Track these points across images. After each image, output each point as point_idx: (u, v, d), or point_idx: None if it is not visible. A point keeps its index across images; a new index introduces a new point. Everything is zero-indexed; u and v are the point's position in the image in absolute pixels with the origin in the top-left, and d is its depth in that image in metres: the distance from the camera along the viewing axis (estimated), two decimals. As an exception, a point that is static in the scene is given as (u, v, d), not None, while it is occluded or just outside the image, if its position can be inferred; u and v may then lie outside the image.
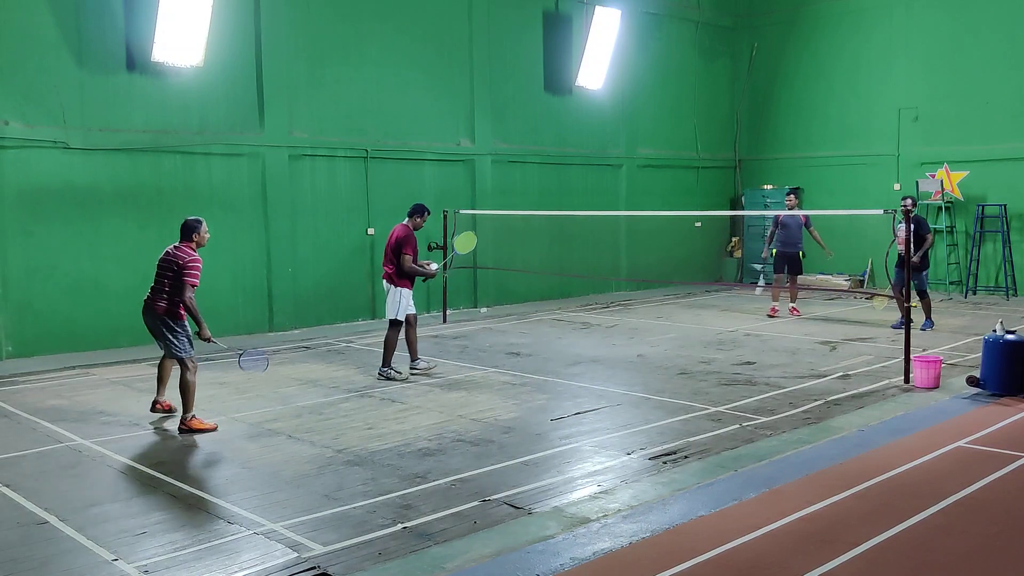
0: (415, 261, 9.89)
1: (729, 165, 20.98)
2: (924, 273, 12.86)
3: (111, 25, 11.95)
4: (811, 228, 14.47)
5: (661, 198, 19.17)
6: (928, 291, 12.99)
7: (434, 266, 10.22)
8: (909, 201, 12.23)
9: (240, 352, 8.41)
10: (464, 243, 12.12)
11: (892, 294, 11.75)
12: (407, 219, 10.12)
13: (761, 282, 14.41)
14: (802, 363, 10.46)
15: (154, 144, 12.35)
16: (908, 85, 17.90)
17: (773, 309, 14.69)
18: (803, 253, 14.59)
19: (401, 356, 10.27)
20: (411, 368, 10.07)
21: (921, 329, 12.53)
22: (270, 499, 5.95)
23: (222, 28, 12.72)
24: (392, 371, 9.87)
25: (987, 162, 16.85)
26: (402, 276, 9.87)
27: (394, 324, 9.93)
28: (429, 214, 10.34)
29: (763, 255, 15.28)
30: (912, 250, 11.81)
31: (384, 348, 9.95)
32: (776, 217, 14.74)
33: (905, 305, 9.42)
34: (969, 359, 10.38)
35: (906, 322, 9.47)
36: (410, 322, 10.00)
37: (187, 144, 12.64)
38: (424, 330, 13.55)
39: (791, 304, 14.86)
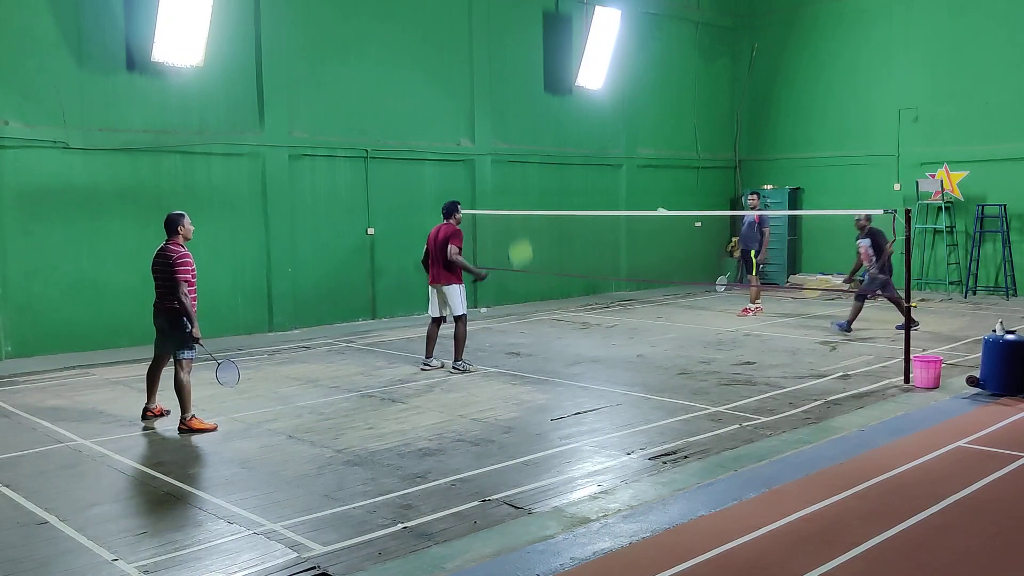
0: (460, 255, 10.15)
1: (729, 165, 20.98)
2: (888, 280, 12.53)
3: (111, 25, 11.95)
4: (763, 228, 14.54)
5: (661, 198, 19.14)
6: (899, 297, 12.54)
7: (485, 271, 10.64)
8: (864, 215, 12.55)
9: (218, 363, 8.30)
10: (521, 253, 12.33)
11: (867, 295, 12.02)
12: (449, 219, 10.27)
13: (722, 280, 14.59)
14: (802, 363, 10.46)
15: (154, 144, 12.35)
16: (908, 85, 17.90)
17: (746, 309, 14.90)
18: (755, 252, 14.59)
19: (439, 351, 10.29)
20: (452, 366, 10.27)
21: (836, 326, 12.72)
22: (270, 499, 5.94)
23: (222, 28, 12.72)
24: (465, 364, 10.17)
25: (987, 162, 16.86)
26: (450, 269, 10.05)
27: (460, 319, 10.19)
28: (459, 204, 10.49)
29: (732, 256, 15.70)
30: (878, 260, 12.36)
31: (456, 342, 10.20)
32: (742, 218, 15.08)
33: (906, 306, 9.40)
34: (969, 359, 10.38)
35: (907, 323, 9.47)
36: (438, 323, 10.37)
37: (187, 144, 12.64)
38: (424, 329, 13.52)
39: (748, 304, 14.98)
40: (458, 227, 10.23)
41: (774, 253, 19.38)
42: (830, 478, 6.19)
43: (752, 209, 14.72)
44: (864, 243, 12.53)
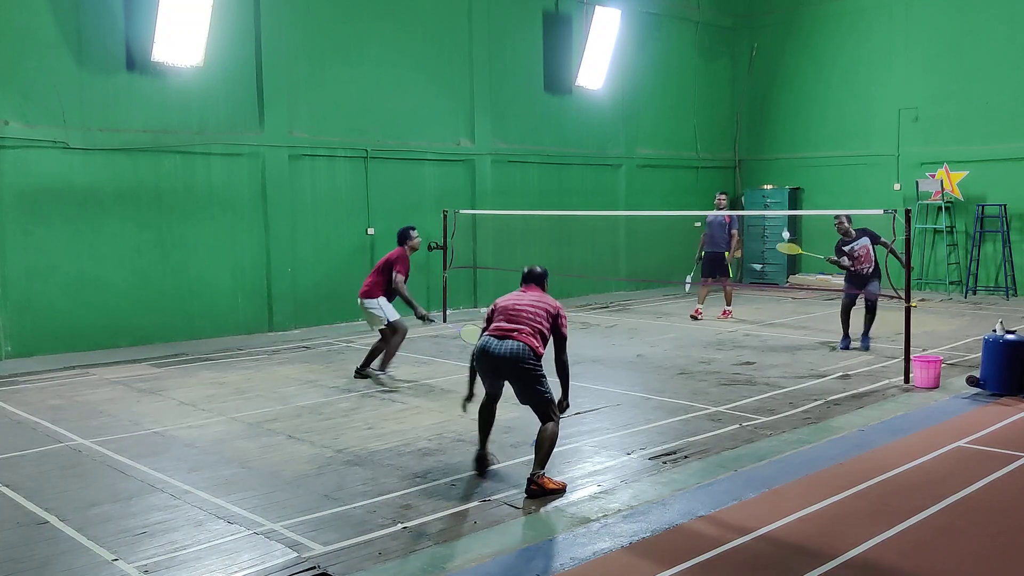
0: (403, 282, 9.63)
1: (729, 165, 20.98)
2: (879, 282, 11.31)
3: (111, 25, 11.95)
4: (732, 230, 14.03)
5: (661, 198, 19.17)
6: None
7: (429, 315, 9.86)
8: (845, 216, 11.28)
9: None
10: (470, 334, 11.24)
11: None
12: (402, 245, 9.88)
13: (689, 279, 14.18)
14: (802, 363, 10.46)
15: (154, 144, 12.35)
16: (908, 85, 17.90)
17: (697, 311, 14.29)
18: (728, 255, 14.13)
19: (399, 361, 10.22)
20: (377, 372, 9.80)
21: (862, 347, 11.21)
22: (270, 499, 5.94)
23: (222, 28, 12.71)
24: (384, 375, 9.68)
25: (987, 162, 16.86)
26: (389, 293, 9.68)
27: (394, 325, 9.70)
28: (413, 230, 9.98)
29: (696, 257, 14.64)
30: (899, 255, 10.63)
31: (384, 352, 9.77)
32: (706, 218, 14.31)
33: (906, 306, 9.38)
34: (969, 359, 10.38)
35: (906, 323, 9.45)
36: (398, 330, 9.74)
37: (187, 144, 12.64)
38: (424, 330, 13.53)
39: (726, 307, 14.46)
40: (409, 253, 9.81)
41: (774, 253, 19.44)
42: (830, 478, 6.19)
43: (719, 209, 14.31)
44: (864, 242, 11.39)
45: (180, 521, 5.60)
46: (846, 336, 11.46)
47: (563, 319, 6.35)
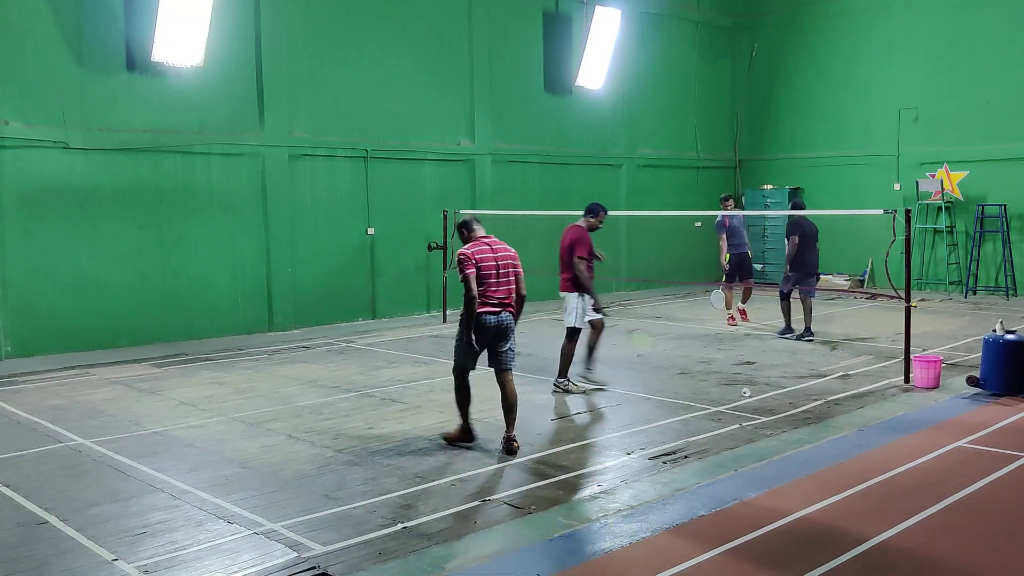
0: (589, 268, 8.81)
1: (729, 165, 20.98)
2: (792, 276, 12.06)
3: (111, 25, 11.95)
4: (720, 232, 13.68)
5: (661, 198, 19.17)
6: (789, 296, 12.26)
7: (605, 307, 8.92)
8: (799, 206, 11.99)
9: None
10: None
11: (798, 297, 12.00)
12: (581, 219, 9.10)
13: (718, 294, 13.76)
14: (802, 363, 10.46)
15: (154, 144, 12.35)
16: (908, 85, 17.91)
17: (741, 311, 13.85)
18: (750, 253, 13.91)
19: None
20: (554, 383, 9.16)
21: (780, 334, 12.24)
22: (270, 499, 5.94)
23: (222, 28, 12.72)
24: (569, 383, 9.02)
25: (987, 162, 16.86)
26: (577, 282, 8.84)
27: (571, 333, 8.99)
28: (606, 213, 9.12)
29: (724, 263, 13.69)
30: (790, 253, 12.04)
31: (560, 357, 9.05)
32: (723, 221, 13.53)
33: (906, 306, 9.38)
34: (969, 359, 10.38)
35: (906, 322, 9.45)
36: (596, 327, 9.09)
37: (187, 144, 12.64)
38: (424, 330, 13.56)
39: (742, 306, 13.90)
40: (589, 231, 8.94)
41: (774, 253, 19.43)
42: (830, 478, 6.19)
43: (725, 210, 13.85)
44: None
45: (180, 521, 5.60)
46: (786, 327, 12.39)
47: (519, 264, 7.21)
